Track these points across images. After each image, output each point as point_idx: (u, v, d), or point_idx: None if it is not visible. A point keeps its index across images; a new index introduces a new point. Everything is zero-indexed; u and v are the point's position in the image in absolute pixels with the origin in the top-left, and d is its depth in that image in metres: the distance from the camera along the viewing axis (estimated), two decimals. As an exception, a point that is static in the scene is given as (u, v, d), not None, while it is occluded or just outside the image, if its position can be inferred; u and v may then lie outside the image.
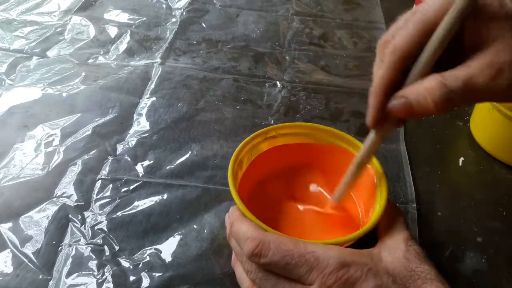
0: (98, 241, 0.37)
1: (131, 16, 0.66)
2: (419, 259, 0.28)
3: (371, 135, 0.31)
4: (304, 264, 0.27)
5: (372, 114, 0.29)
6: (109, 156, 0.44)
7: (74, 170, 0.42)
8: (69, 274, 0.34)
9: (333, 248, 0.28)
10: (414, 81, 0.26)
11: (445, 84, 0.24)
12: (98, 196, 0.40)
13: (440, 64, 0.26)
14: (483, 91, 0.24)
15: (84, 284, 0.34)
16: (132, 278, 0.34)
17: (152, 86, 0.54)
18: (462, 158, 0.47)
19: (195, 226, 0.38)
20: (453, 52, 0.26)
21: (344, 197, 0.35)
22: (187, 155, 0.45)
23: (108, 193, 0.41)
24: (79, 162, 0.43)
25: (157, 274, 0.35)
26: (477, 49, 0.24)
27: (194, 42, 0.62)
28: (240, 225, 0.30)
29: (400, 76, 0.27)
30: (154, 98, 0.52)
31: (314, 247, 0.27)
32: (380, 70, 0.27)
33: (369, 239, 0.31)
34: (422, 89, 0.25)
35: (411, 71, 0.27)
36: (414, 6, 0.65)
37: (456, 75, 0.24)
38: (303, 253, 0.27)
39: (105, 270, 0.35)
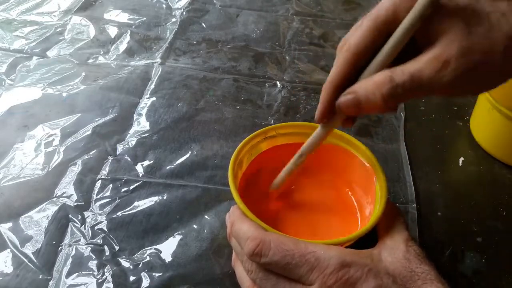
0: (98, 241, 0.37)
1: (131, 16, 0.66)
2: (419, 259, 0.28)
3: (317, 130, 0.32)
4: (305, 264, 0.27)
5: (320, 109, 0.29)
6: (109, 156, 0.44)
7: (74, 170, 0.42)
8: (69, 274, 0.34)
9: (334, 248, 0.28)
10: (367, 76, 0.27)
11: (392, 77, 0.24)
12: (98, 196, 0.40)
13: (395, 61, 0.26)
14: (429, 84, 0.24)
15: (84, 284, 0.34)
16: (132, 278, 0.34)
17: (152, 86, 0.54)
18: (462, 158, 0.47)
19: (195, 226, 0.38)
20: (407, 48, 0.26)
21: (282, 184, 0.36)
22: (187, 155, 0.45)
23: (108, 193, 0.41)
24: (79, 162, 0.43)
25: (157, 274, 0.35)
26: (428, 43, 0.24)
27: (194, 42, 0.62)
28: (241, 225, 0.30)
29: (352, 74, 0.28)
30: (154, 98, 0.52)
31: (314, 247, 0.27)
32: (333, 68, 0.28)
33: (369, 239, 0.31)
34: (371, 83, 0.25)
35: (366, 69, 0.27)
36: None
37: (404, 69, 0.24)
38: (303, 253, 0.27)
39: (105, 270, 0.35)
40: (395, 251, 0.28)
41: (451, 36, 0.23)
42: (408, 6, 0.25)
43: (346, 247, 0.30)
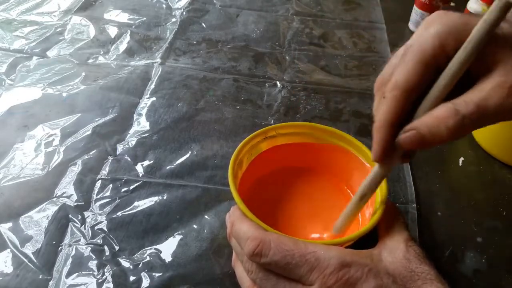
0: (98, 241, 0.37)
1: (131, 16, 0.66)
2: (419, 259, 0.28)
3: (375, 170, 0.30)
4: (305, 264, 0.27)
5: (377, 150, 0.28)
6: (109, 156, 0.44)
7: (74, 170, 0.42)
8: (69, 274, 0.34)
9: (334, 248, 0.28)
10: (424, 114, 0.26)
11: (457, 110, 0.24)
12: (98, 196, 0.40)
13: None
14: (496, 112, 0.24)
15: (84, 284, 0.34)
16: (132, 278, 0.34)
17: (152, 86, 0.54)
18: (462, 158, 0.47)
19: (195, 226, 0.38)
20: (459, 81, 0.25)
21: (345, 229, 0.34)
22: (187, 155, 0.45)
23: (108, 193, 0.41)
24: (79, 162, 0.43)
25: (157, 274, 0.35)
26: (484, 73, 0.24)
27: (194, 42, 0.62)
28: (241, 225, 0.30)
29: (403, 113, 0.27)
30: (154, 98, 0.52)
31: (314, 247, 0.27)
32: (383, 107, 0.27)
33: (369, 239, 0.31)
34: (433, 118, 0.25)
35: (420, 105, 0.26)
36: (414, 7, 0.65)
37: (467, 100, 0.24)
38: (303, 253, 0.27)
39: (105, 270, 0.35)
40: (395, 251, 0.28)
41: (509, 61, 0.23)
42: (454, 39, 0.24)
43: (346, 247, 0.30)
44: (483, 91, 0.24)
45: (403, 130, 0.26)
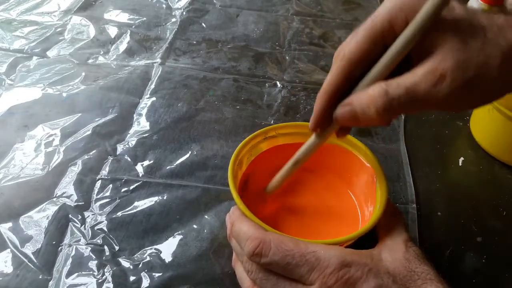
0: (98, 241, 0.37)
1: (131, 16, 0.66)
2: (419, 259, 0.28)
3: (312, 138, 0.31)
4: (305, 264, 0.27)
5: (313, 118, 0.29)
6: (109, 156, 0.44)
7: (74, 170, 0.42)
8: (69, 274, 0.34)
9: (334, 248, 0.28)
10: (364, 88, 0.26)
11: (388, 91, 0.24)
12: (98, 196, 0.40)
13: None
14: (425, 98, 0.23)
15: (84, 284, 0.34)
16: (132, 278, 0.34)
17: (152, 86, 0.54)
18: (462, 158, 0.47)
19: (195, 226, 0.38)
20: (402, 61, 0.25)
21: (276, 189, 0.35)
22: (187, 155, 0.45)
23: (108, 193, 0.41)
24: (79, 162, 0.43)
25: (157, 274, 0.35)
26: (424, 56, 0.24)
27: (194, 42, 0.62)
28: (241, 225, 0.30)
29: (347, 83, 0.27)
30: (154, 98, 0.52)
31: (315, 247, 0.27)
32: (328, 76, 0.28)
33: (369, 239, 0.31)
34: (366, 97, 0.25)
35: (362, 79, 0.27)
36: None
37: (399, 83, 0.24)
38: (303, 253, 0.27)
39: (105, 270, 0.35)
40: (395, 251, 0.28)
41: (447, 49, 0.23)
42: (404, 17, 0.24)
43: (346, 246, 0.30)
44: (415, 76, 0.24)
45: (341, 104, 0.27)
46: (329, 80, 0.28)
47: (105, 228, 0.38)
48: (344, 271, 0.26)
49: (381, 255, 0.28)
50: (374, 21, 0.26)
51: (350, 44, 0.27)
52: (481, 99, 0.25)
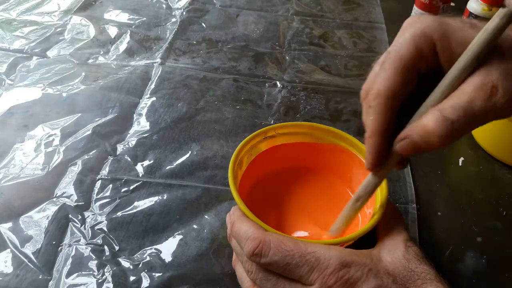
0: (98, 241, 0.37)
1: (131, 16, 0.66)
2: (418, 259, 0.28)
3: (369, 178, 0.30)
4: (305, 264, 0.27)
5: (370, 158, 0.28)
6: (109, 156, 0.44)
7: (74, 170, 0.42)
8: (69, 274, 0.34)
9: (334, 248, 0.28)
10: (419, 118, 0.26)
11: (446, 116, 0.24)
12: (98, 196, 0.40)
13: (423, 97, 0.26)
14: (483, 114, 0.23)
15: (84, 284, 0.34)
16: (132, 278, 0.34)
17: (152, 86, 0.54)
18: (462, 158, 0.47)
19: (195, 226, 0.38)
20: (433, 83, 0.25)
21: (342, 232, 0.34)
22: (187, 155, 0.45)
23: (108, 193, 0.41)
24: (79, 162, 0.43)
25: (157, 274, 0.35)
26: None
27: (194, 42, 0.62)
28: (241, 225, 0.30)
29: (391, 120, 0.27)
30: (154, 98, 0.52)
31: (314, 247, 0.27)
32: (370, 116, 0.27)
33: (369, 239, 0.31)
34: (423, 126, 0.25)
35: (416, 112, 0.26)
36: (414, 7, 0.65)
37: (454, 105, 0.24)
38: (303, 253, 0.27)
39: (105, 270, 0.35)
40: (394, 251, 0.28)
41: (489, 64, 0.23)
42: (430, 41, 0.25)
43: (346, 247, 0.30)
44: (467, 94, 0.23)
45: (398, 138, 0.26)
46: (376, 120, 0.27)
47: (105, 228, 0.38)
48: (344, 272, 0.26)
49: (380, 255, 0.28)
50: (399, 52, 0.26)
51: (381, 80, 0.26)
52: None
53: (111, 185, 0.41)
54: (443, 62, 0.25)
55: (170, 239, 0.37)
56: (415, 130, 0.25)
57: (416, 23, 0.26)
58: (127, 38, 0.62)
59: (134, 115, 0.49)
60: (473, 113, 0.23)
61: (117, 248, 0.36)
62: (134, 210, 0.39)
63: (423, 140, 0.25)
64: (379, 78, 0.26)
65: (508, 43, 0.24)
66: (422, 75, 0.26)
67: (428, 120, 0.24)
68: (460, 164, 0.47)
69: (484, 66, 0.23)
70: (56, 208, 0.39)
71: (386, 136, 0.27)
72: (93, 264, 0.35)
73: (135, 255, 0.36)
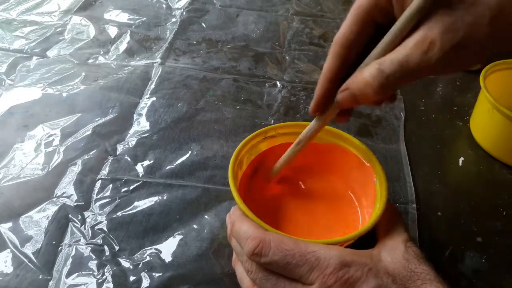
0: (98, 241, 0.37)
1: (131, 16, 0.66)
2: (418, 260, 0.28)
3: (312, 123, 0.33)
4: (305, 264, 0.27)
5: (314, 102, 0.30)
6: (109, 156, 0.44)
7: (74, 170, 0.42)
8: (69, 274, 0.34)
9: (334, 248, 0.28)
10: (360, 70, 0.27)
11: (382, 70, 0.25)
12: (98, 196, 0.40)
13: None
14: (418, 68, 0.24)
15: (84, 284, 0.34)
16: (132, 278, 0.34)
17: (152, 86, 0.54)
18: (462, 158, 0.47)
19: (195, 226, 0.38)
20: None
21: (280, 171, 0.36)
22: (187, 155, 0.45)
23: (108, 193, 0.41)
24: (79, 162, 0.43)
25: (157, 274, 0.35)
26: (414, 28, 0.24)
27: (194, 42, 0.62)
28: (241, 225, 0.30)
29: (345, 67, 0.29)
30: (154, 98, 0.52)
31: (314, 247, 0.27)
32: (325, 62, 0.29)
33: (369, 239, 0.31)
34: (361, 79, 0.26)
35: (362, 63, 0.27)
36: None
37: (392, 59, 0.25)
38: (303, 253, 0.27)
39: (105, 270, 0.35)
40: (394, 251, 0.28)
41: (434, 17, 0.23)
42: None
43: (346, 246, 0.30)
44: (406, 48, 0.24)
45: (340, 89, 0.28)
46: (326, 65, 0.29)
47: (105, 228, 0.38)
48: (343, 271, 0.26)
49: (380, 255, 0.28)
50: (358, 3, 0.27)
51: (341, 29, 0.28)
52: (474, 59, 0.25)
53: (111, 185, 0.41)
54: (397, 13, 0.26)
55: (170, 239, 0.37)
56: (354, 82, 0.27)
57: None
58: (127, 38, 0.62)
59: (134, 115, 0.49)
60: (408, 68, 0.24)
61: (117, 248, 0.36)
62: (134, 210, 0.39)
63: (361, 92, 0.26)
64: (341, 28, 0.28)
65: None
66: (379, 26, 0.27)
67: (366, 72, 0.26)
68: (460, 164, 0.47)
69: (428, 21, 0.24)
70: (56, 208, 0.39)
71: (333, 83, 0.29)
72: (93, 264, 0.35)
73: (135, 255, 0.36)
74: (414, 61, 0.24)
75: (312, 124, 0.33)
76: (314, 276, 0.26)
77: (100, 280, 0.34)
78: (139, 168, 0.43)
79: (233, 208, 0.32)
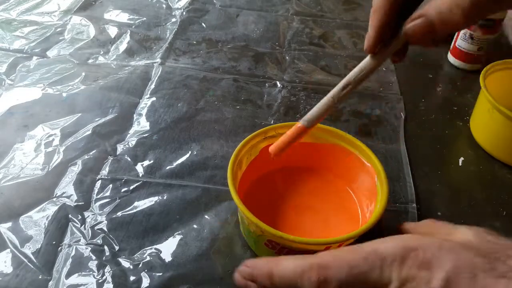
0: (98, 241, 0.37)
1: (131, 16, 0.66)
2: (493, 234, 0.24)
3: (366, 60, 0.28)
4: (372, 267, 0.23)
5: (371, 37, 0.27)
6: (109, 156, 0.44)
7: (74, 170, 0.42)
8: (69, 274, 0.34)
9: (391, 239, 0.25)
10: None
11: None
12: (98, 196, 0.40)
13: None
14: None
15: (84, 285, 0.34)
16: (132, 278, 0.34)
17: (152, 86, 0.54)
18: (462, 158, 0.47)
19: (195, 226, 0.38)
20: None
21: (318, 120, 0.31)
22: (187, 155, 0.45)
23: (108, 193, 0.41)
24: (79, 162, 0.43)
25: (157, 274, 0.35)
26: None
27: (194, 42, 0.62)
28: (283, 267, 0.25)
29: (394, 4, 0.26)
30: (154, 98, 0.52)
31: (371, 245, 0.24)
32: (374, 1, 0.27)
33: (369, 239, 0.31)
34: (447, 1, 0.23)
35: None
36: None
37: None
38: (365, 257, 0.24)
39: (105, 270, 0.35)
40: (461, 227, 0.25)
41: None
42: None
43: (347, 245, 0.30)
44: None
45: (411, 18, 0.25)
46: (377, 2, 0.26)
47: (105, 228, 0.38)
48: (413, 256, 0.23)
49: (449, 232, 0.25)
50: None
51: None
52: None
53: (111, 185, 0.41)
54: None
55: (170, 239, 0.37)
56: (434, 6, 0.24)
57: None
58: (127, 38, 0.62)
59: (134, 115, 0.49)
60: None
61: (117, 248, 0.36)
62: (134, 210, 0.39)
63: (441, 18, 0.24)
64: None
65: None
66: None
67: None
68: (460, 164, 0.47)
69: None
70: (56, 208, 0.39)
71: (390, 17, 0.26)
72: (93, 264, 0.35)
73: (135, 255, 0.36)
74: None
75: (364, 64, 0.28)
76: (387, 274, 0.23)
77: (100, 280, 0.34)
78: (139, 168, 0.43)
79: (251, 261, 0.28)
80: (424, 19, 0.24)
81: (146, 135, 0.47)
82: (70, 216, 0.38)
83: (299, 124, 0.31)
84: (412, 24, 0.25)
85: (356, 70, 0.29)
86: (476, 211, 0.42)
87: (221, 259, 0.36)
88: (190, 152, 0.45)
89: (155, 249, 0.36)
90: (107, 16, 0.66)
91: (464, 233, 0.25)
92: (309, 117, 0.31)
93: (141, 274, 0.35)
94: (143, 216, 0.39)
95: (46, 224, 0.38)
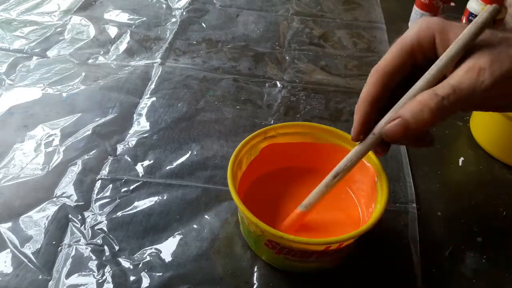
0: (98, 241, 0.37)
1: (131, 16, 0.66)
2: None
3: (355, 148, 0.31)
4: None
5: (356, 128, 0.30)
6: (109, 156, 0.44)
7: (74, 170, 0.42)
8: (69, 274, 0.34)
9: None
10: (408, 100, 0.28)
11: (436, 93, 0.26)
12: (98, 196, 0.40)
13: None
14: (470, 93, 0.25)
15: (84, 285, 0.34)
16: (132, 278, 0.34)
17: (152, 86, 0.54)
18: (462, 158, 0.47)
19: (195, 226, 0.38)
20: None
21: (313, 207, 0.34)
22: (187, 155, 0.45)
23: (108, 193, 0.41)
24: (79, 162, 0.43)
25: (157, 274, 0.35)
26: (459, 62, 0.26)
27: (194, 42, 0.62)
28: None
29: (384, 93, 0.29)
30: (154, 98, 0.52)
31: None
32: (364, 88, 0.30)
33: (369, 239, 0.31)
34: (416, 103, 0.26)
35: (405, 95, 0.28)
36: (414, 7, 0.65)
37: (444, 84, 0.26)
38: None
39: (105, 270, 0.35)
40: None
41: (478, 51, 0.25)
42: (431, 34, 0.27)
43: (347, 245, 0.30)
44: (457, 76, 0.25)
45: (388, 120, 0.28)
46: (366, 90, 0.30)
47: (105, 228, 0.38)
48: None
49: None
50: (404, 39, 0.29)
51: (383, 60, 0.29)
52: None
53: (111, 185, 0.41)
54: (439, 53, 0.27)
55: (170, 239, 0.37)
56: (407, 109, 0.27)
57: (427, 20, 0.28)
58: (127, 38, 0.62)
59: (134, 115, 0.49)
60: (460, 92, 0.25)
61: (117, 248, 0.36)
62: (134, 210, 0.39)
63: (414, 118, 0.26)
64: (383, 58, 0.30)
65: (496, 37, 0.26)
66: (416, 66, 0.29)
67: (420, 97, 0.26)
68: (460, 164, 0.47)
69: (473, 55, 0.25)
70: (56, 208, 0.39)
71: (374, 109, 0.30)
72: (93, 264, 0.35)
73: (135, 255, 0.36)
74: (466, 86, 0.25)
75: (351, 154, 0.31)
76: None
77: (100, 281, 0.34)
78: (139, 168, 0.43)
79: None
80: (399, 121, 0.27)
81: (146, 135, 0.47)
82: (70, 216, 0.38)
83: (298, 210, 0.34)
84: (388, 127, 0.28)
85: (344, 161, 0.32)
86: (476, 211, 0.42)
87: (221, 259, 0.36)
88: (190, 152, 0.45)
89: (155, 249, 0.36)
90: (107, 16, 0.66)
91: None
92: (306, 203, 0.34)
93: (141, 274, 0.35)
94: (143, 216, 0.39)
95: (46, 224, 0.38)
